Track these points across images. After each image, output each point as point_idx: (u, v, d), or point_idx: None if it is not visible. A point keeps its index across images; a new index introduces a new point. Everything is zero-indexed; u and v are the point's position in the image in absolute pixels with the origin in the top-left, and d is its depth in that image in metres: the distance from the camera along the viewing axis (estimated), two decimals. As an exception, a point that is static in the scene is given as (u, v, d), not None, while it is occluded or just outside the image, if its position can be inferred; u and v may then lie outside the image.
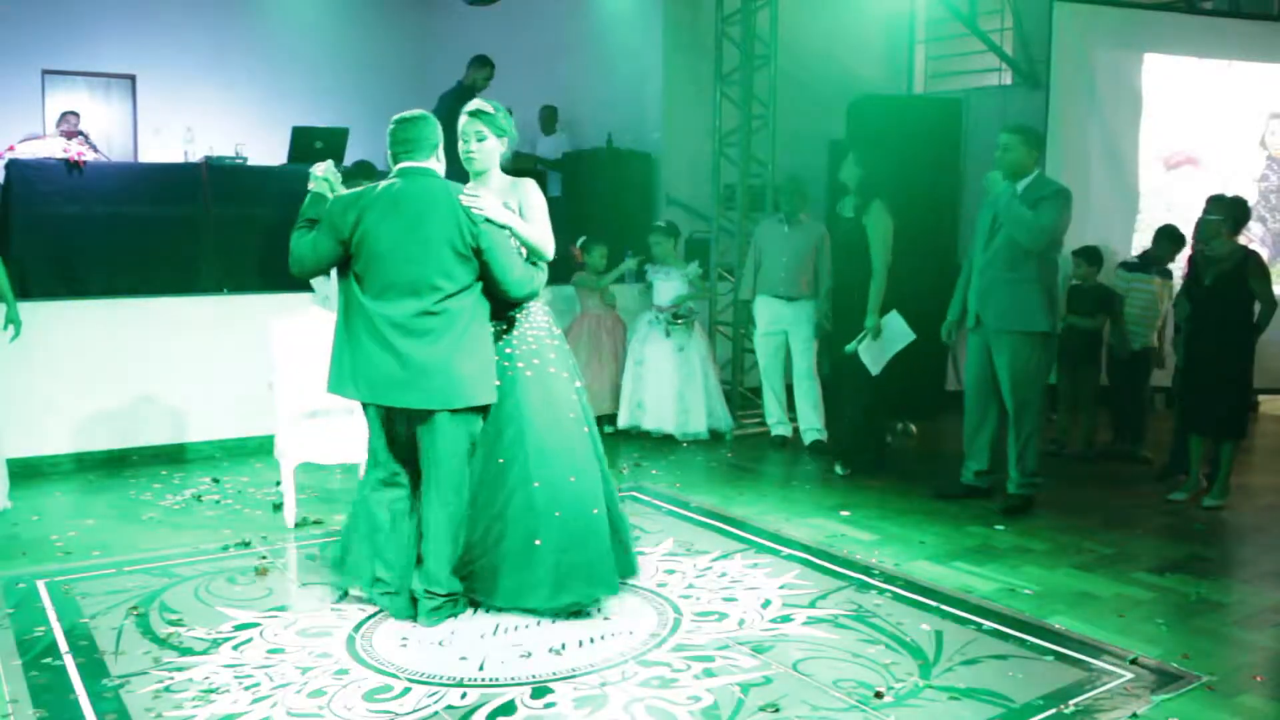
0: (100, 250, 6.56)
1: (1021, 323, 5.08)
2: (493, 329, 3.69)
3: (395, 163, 3.60)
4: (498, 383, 3.66)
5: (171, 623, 3.65)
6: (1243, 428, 5.45)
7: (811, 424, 6.58)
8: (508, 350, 3.73)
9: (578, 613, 3.69)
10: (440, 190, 3.52)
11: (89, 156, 7.06)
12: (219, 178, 6.95)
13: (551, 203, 3.97)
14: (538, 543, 3.60)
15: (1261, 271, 5.33)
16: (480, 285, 3.59)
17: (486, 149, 3.79)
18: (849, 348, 5.85)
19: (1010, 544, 4.69)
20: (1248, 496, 5.58)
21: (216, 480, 5.70)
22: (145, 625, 3.63)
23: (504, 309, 3.72)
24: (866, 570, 4.26)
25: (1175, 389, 5.92)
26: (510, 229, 3.64)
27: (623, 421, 6.85)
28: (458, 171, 3.89)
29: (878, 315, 5.77)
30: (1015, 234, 5.02)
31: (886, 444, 6.33)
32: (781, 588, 4.05)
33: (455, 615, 3.67)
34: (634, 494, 5.44)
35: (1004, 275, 5.10)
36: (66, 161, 6.62)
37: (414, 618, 3.66)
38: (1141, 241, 7.58)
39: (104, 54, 10.01)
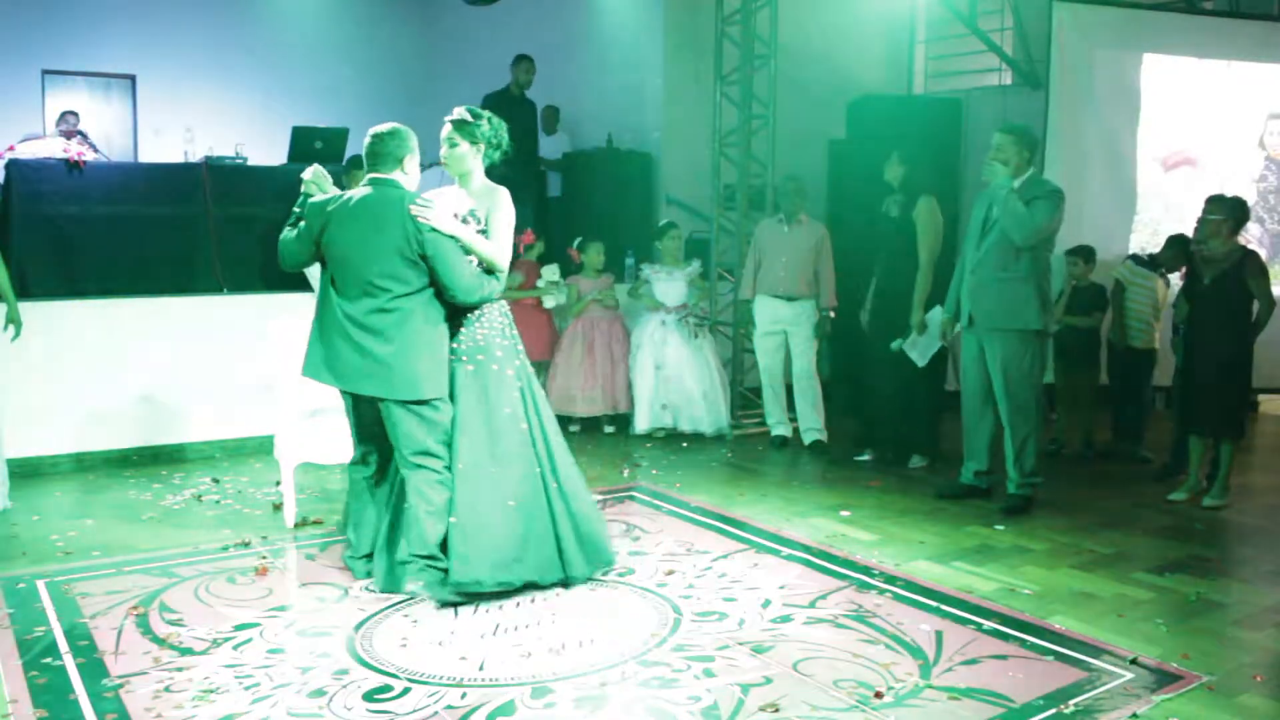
0: (100, 250, 6.56)
1: (1013, 321, 5.08)
2: (448, 327, 3.93)
3: (368, 173, 3.89)
4: None
5: (171, 623, 3.66)
6: (1242, 428, 5.45)
7: (811, 424, 6.58)
8: (454, 345, 3.96)
9: (505, 593, 3.84)
10: (395, 200, 3.78)
11: (89, 156, 7.05)
12: (219, 178, 6.95)
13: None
14: (453, 520, 3.82)
15: (1260, 271, 5.33)
16: (433, 289, 3.83)
17: (456, 155, 4.04)
18: (895, 345, 5.83)
19: (1010, 544, 4.69)
20: (1248, 496, 5.58)
21: (216, 480, 5.70)
22: (145, 625, 3.64)
23: (460, 311, 3.94)
24: (866, 570, 4.26)
25: (1175, 389, 5.92)
26: (457, 239, 3.81)
27: (644, 425, 6.85)
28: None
29: (922, 311, 5.77)
30: (1008, 229, 5.02)
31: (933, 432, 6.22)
32: (781, 588, 4.05)
33: (443, 583, 3.79)
34: (633, 494, 5.45)
35: (995, 274, 5.10)
36: (66, 161, 6.61)
37: (370, 574, 4.03)
38: (1139, 241, 7.58)
39: (104, 54, 9.99)
